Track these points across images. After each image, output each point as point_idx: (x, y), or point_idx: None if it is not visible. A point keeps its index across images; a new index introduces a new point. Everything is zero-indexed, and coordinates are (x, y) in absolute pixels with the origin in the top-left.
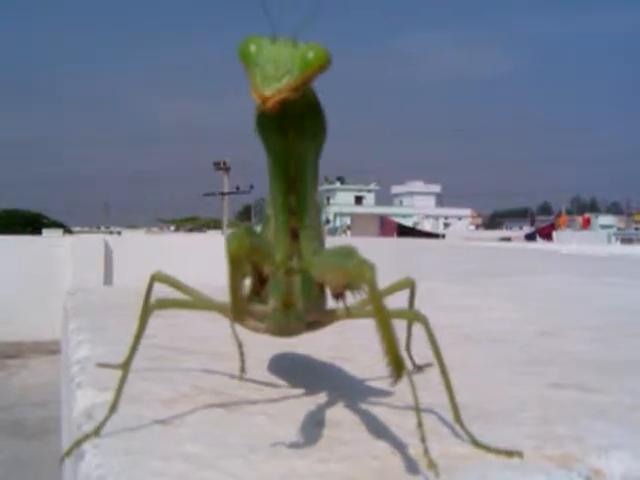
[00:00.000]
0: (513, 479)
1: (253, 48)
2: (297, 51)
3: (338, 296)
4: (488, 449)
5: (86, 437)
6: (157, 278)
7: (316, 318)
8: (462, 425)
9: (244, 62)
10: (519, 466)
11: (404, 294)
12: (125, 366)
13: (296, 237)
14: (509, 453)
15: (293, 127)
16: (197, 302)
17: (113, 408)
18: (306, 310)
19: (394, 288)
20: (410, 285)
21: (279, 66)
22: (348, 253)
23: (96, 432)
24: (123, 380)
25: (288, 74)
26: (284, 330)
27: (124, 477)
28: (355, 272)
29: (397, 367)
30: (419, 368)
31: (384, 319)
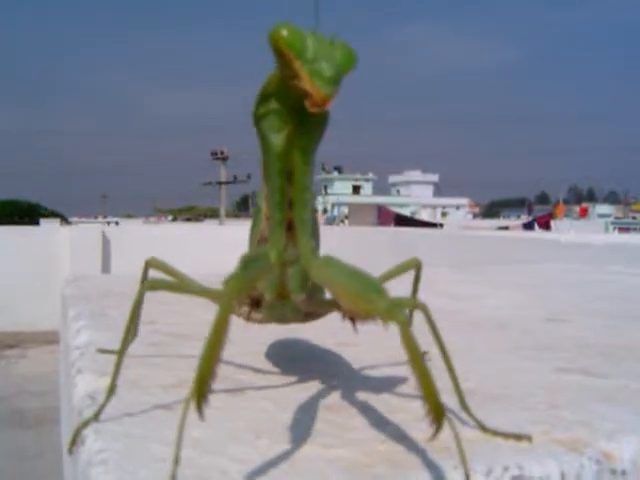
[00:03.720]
0: (523, 463)
1: (302, 41)
2: (346, 50)
3: (346, 317)
4: (495, 433)
5: (86, 422)
6: (152, 264)
7: (313, 309)
8: (468, 410)
9: (288, 52)
10: (528, 450)
11: (407, 278)
12: (122, 348)
13: (291, 229)
14: (517, 437)
15: (300, 120)
16: (189, 286)
17: (111, 392)
18: (302, 301)
19: (400, 269)
20: (416, 266)
21: (335, 66)
22: (374, 287)
23: (96, 416)
24: (119, 363)
25: (342, 74)
26: (280, 321)
27: (126, 462)
28: (385, 316)
29: (437, 415)
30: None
31: (420, 365)
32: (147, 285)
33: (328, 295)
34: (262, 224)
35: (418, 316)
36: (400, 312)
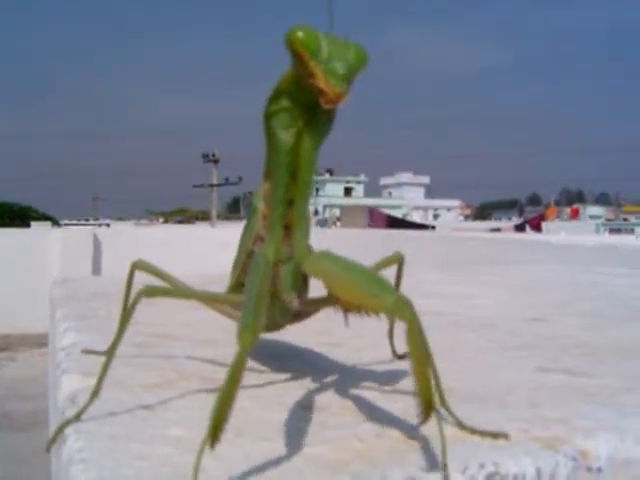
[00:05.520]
0: (499, 460)
1: (317, 41)
2: (358, 50)
3: (340, 309)
4: (473, 431)
5: (67, 422)
6: (138, 266)
7: (302, 308)
8: (447, 408)
9: (304, 52)
10: (505, 448)
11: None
12: (109, 352)
13: (289, 226)
14: (494, 435)
15: (310, 118)
16: (184, 291)
17: (95, 394)
18: (292, 300)
19: (384, 263)
20: (399, 260)
21: (348, 65)
22: (379, 282)
23: (77, 417)
24: (106, 366)
25: (355, 73)
26: (269, 321)
27: (106, 460)
28: (392, 312)
29: (427, 408)
30: (400, 357)
31: (422, 362)
32: (143, 292)
33: (318, 293)
34: (258, 224)
35: None
36: (408, 309)
